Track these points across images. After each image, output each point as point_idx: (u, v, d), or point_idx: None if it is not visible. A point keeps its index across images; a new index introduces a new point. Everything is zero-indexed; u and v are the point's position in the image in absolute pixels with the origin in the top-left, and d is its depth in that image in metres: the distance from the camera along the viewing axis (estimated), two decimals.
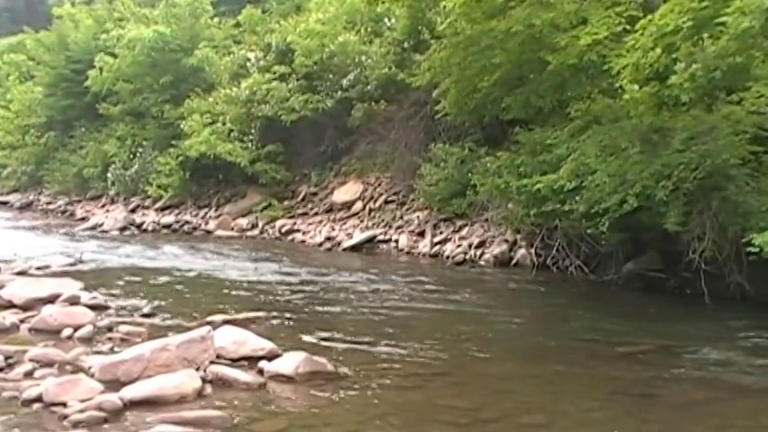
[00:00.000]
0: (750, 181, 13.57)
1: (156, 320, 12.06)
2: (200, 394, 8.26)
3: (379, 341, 11.14)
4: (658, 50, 12.82)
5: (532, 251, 18.28)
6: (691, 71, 12.30)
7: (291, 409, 8.15)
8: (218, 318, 11.62)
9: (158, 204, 31.23)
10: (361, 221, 24.84)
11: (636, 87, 14.13)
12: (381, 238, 23.22)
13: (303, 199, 27.87)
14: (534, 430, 7.68)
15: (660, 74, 13.95)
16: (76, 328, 10.93)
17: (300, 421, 7.69)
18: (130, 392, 8.04)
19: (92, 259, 18.88)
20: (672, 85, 13.14)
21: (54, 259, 18.52)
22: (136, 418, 7.61)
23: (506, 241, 19.82)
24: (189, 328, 10.36)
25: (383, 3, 23.44)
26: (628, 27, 14.74)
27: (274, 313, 12.71)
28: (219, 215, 28.87)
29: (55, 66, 38.81)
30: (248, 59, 30.67)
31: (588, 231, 15.76)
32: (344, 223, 25.22)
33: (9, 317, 11.55)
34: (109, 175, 33.53)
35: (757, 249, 11.85)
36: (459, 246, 20.77)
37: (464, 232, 21.37)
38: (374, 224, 24.29)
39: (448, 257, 20.42)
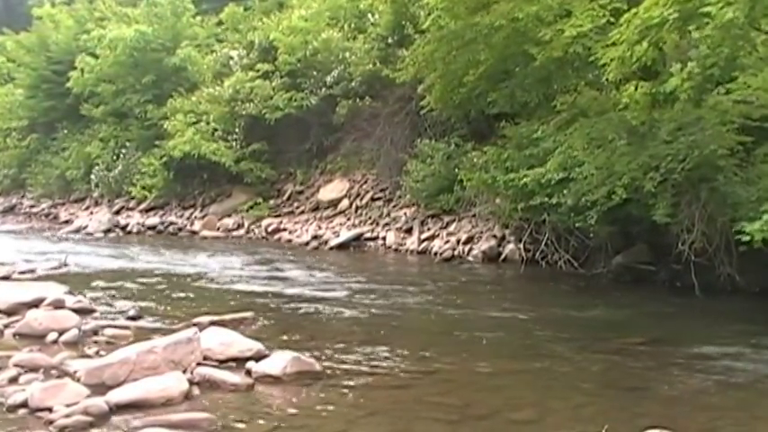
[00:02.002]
0: (738, 171, 13.54)
1: (141, 323, 11.94)
2: (187, 396, 8.15)
3: (367, 340, 11.05)
4: (645, 44, 12.73)
5: (521, 246, 18.26)
6: (688, 69, 12.23)
7: (280, 410, 8.04)
8: (204, 319, 11.48)
9: (143, 206, 31.13)
10: (348, 219, 24.80)
11: (633, 89, 14.03)
12: (368, 235, 23.19)
13: (289, 198, 27.81)
14: (525, 426, 7.60)
15: (646, 67, 13.89)
16: (62, 333, 10.79)
17: (289, 422, 7.59)
18: (117, 396, 7.93)
19: (76, 262, 18.71)
20: (665, 83, 13.08)
21: (38, 263, 18.36)
22: (122, 421, 7.49)
23: (495, 236, 19.77)
24: (175, 330, 10.26)
25: None
26: (612, 20, 14.67)
27: (261, 314, 12.61)
28: (205, 215, 28.78)
29: (35, 67, 38.55)
30: (231, 58, 30.61)
31: (577, 225, 15.75)
32: (331, 221, 25.17)
33: None
34: (92, 176, 33.38)
35: (748, 238, 11.76)
36: (447, 242, 20.72)
37: (452, 228, 21.33)
38: (361, 222, 24.26)
39: (436, 254, 20.38)
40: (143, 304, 13.31)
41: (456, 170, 20.29)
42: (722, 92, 13.50)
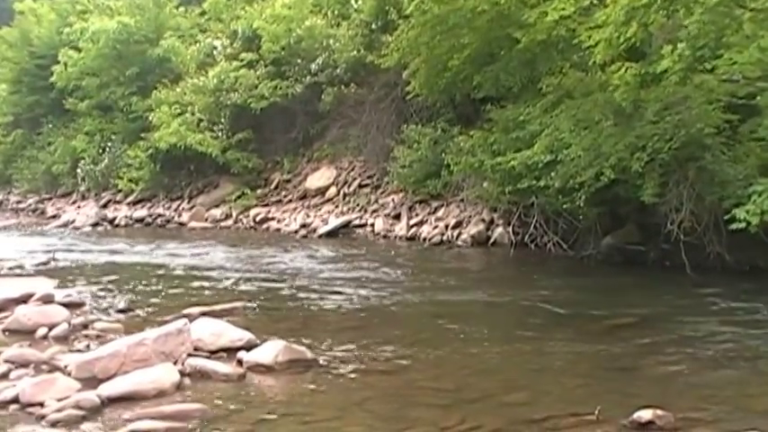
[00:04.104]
0: (726, 150, 13.57)
1: (131, 315, 11.90)
2: (178, 388, 8.11)
3: (358, 326, 11.07)
4: (634, 25, 12.67)
5: (510, 229, 18.29)
6: (678, 52, 12.20)
7: (272, 399, 8.04)
8: (194, 310, 11.44)
9: (130, 198, 31.09)
10: (336, 207, 24.80)
11: (623, 71, 13.99)
12: (357, 222, 23.19)
13: (276, 187, 27.78)
14: (517, 409, 7.57)
15: (632, 48, 13.86)
16: (51, 327, 10.72)
17: (281, 410, 7.57)
18: (108, 389, 7.89)
19: (65, 257, 18.64)
20: (655, 64, 13.05)
21: (26, 258, 18.29)
22: (114, 414, 7.45)
23: (483, 221, 19.77)
24: (165, 322, 10.21)
25: None
26: (596, 1, 14.63)
27: (251, 303, 12.58)
28: (193, 207, 28.73)
29: (18, 62, 38.52)
30: (215, 48, 30.58)
31: (565, 207, 15.74)
32: (319, 209, 25.17)
33: None
34: (78, 170, 33.35)
35: (744, 225, 11.69)
36: (435, 227, 20.73)
37: (440, 213, 21.34)
38: (349, 209, 24.25)
39: (425, 239, 20.38)
40: (132, 297, 13.27)
41: (443, 155, 20.26)
42: (708, 68, 13.44)
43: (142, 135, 30.40)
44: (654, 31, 13.30)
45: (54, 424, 7.21)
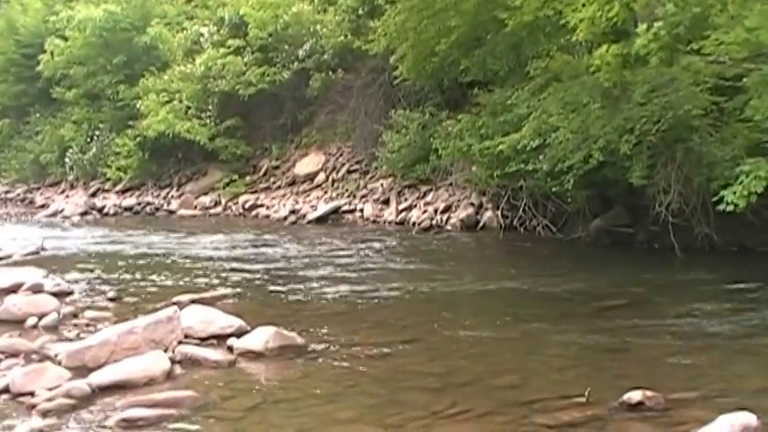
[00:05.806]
0: (713, 131, 13.58)
1: (121, 304, 11.87)
2: (169, 375, 8.10)
3: (349, 312, 11.08)
4: (617, 5, 12.67)
5: (499, 213, 18.32)
6: (654, 30, 12.18)
7: (263, 385, 8.05)
8: (184, 297, 11.43)
9: (119, 187, 31.05)
10: (325, 193, 24.83)
11: (604, 50, 13.98)
12: (346, 208, 23.22)
13: (265, 173, 27.78)
14: (508, 392, 7.58)
15: (617, 28, 13.86)
16: (41, 317, 10.69)
17: (273, 396, 7.57)
18: (98, 378, 7.87)
19: (54, 246, 18.57)
20: (635, 44, 13.05)
21: (15, 248, 18.22)
22: (105, 403, 7.43)
23: (472, 205, 19.80)
24: (155, 310, 10.18)
25: None
26: None
27: (241, 290, 12.60)
28: (181, 194, 28.73)
29: (4, 51, 38.27)
30: (202, 35, 30.46)
31: (554, 190, 15.79)
32: (308, 195, 25.19)
33: None
34: (67, 160, 33.26)
35: (731, 207, 11.67)
36: (424, 212, 20.75)
37: (429, 198, 21.37)
38: (338, 195, 24.29)
39: (414, 224, 20.39)
40: (122, 285, 13.25)
41: (431, 139, 20.29)
42: (695, 49, 13.43)
43: (130, 123, 30.36)
44: (638, 9, 13.29)
45: (45, 413, 7.18)
